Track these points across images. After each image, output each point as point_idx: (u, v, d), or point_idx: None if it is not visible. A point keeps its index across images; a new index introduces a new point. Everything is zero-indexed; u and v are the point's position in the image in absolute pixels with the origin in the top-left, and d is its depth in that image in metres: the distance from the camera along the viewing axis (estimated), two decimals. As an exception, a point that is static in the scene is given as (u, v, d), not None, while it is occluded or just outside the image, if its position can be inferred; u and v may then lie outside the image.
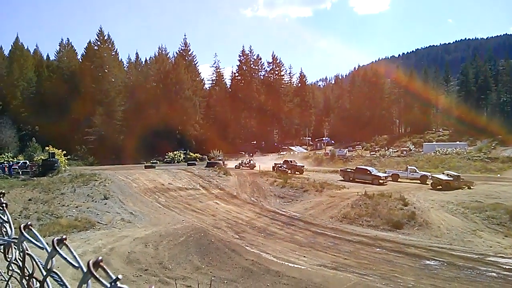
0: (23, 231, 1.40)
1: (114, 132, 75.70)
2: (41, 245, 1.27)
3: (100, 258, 0.99)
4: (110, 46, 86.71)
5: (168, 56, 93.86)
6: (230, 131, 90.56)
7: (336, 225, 25.25)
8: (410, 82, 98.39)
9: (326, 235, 22.82)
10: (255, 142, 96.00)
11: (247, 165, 54.07)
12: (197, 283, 13.95)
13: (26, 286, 1.48)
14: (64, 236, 1.19)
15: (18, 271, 1.57)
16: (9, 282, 1.73)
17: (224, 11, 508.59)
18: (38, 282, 1.42)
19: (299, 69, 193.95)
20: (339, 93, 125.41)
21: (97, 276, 0.96)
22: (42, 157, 44.92)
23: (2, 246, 1.70)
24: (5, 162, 47.14)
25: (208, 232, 22.36)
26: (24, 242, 1.48)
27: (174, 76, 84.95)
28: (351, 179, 40.29)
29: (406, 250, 19.61)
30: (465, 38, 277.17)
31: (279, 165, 47.88)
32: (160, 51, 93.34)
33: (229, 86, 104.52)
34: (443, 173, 37.38)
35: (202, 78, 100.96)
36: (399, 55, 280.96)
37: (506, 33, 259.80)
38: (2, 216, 1.75)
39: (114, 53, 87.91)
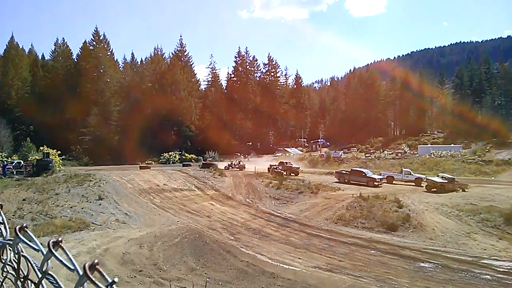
0: (18, 232, 1.39)
1: (109, 132, 75.36)
2: (36, 247, 1.27)
3: (96, 261, 0.98)
4: (105, 46, 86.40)
5: (164, 56, 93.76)
6: (226, 132, 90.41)
7: (331, 227, 25.31)
8: (406, 84, 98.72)
9: (321, 237, 22.86)
10: (250, 144, 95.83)
11: (237, 166, 53.95)
12: (191, 284, 13.93)
13: (20, 288, 1.47)
14: (60, 239, 1.18)
15: (13, 273, 1.56)
16: (3, 284, 1.72)
17: (220, 12, 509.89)
18: (33, 284, 1.41)
19: (295, 71, 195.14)
20: (334, 95, 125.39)
21: (93, 279, 0.96)
22: (37, 157, 44.74)
23: (-4, 248, 1.68)
24: (-1, 162, 46.88)
25: (203, 233, 22.34)
26: (19, 244, 1.47)
27: (170, 76, 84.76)
28: (346, 181, 40.33)
29: (400, 252, 19.68)
30: (460, 41, 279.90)
31: (275, 167, 47.84)
32: (155, 51, 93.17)
33: (225, 87, 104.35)
34: (438, 176, 37.47)
35: (198, 79, 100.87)
36: (394, 57, 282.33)
37: (501, 37, 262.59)
38: (-3, 217, 1.74)
39: (109, 53, 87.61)
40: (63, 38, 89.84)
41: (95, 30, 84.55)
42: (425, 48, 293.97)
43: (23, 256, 1.48)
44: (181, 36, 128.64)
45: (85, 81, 78.31)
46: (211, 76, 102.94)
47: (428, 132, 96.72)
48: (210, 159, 60.84)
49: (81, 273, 0.99)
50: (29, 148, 54.34)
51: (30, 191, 29.32)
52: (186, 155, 72.98)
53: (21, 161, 46.90)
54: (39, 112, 68.30)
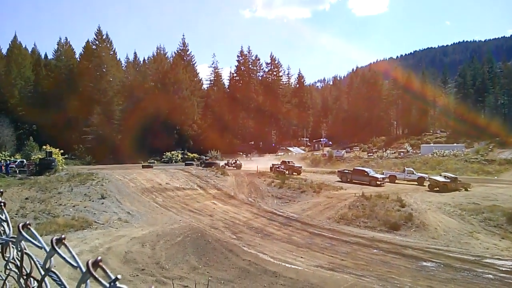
0: (21, 230, 1.40)
1: (112, 131, 75.47)
2: (39, 245, 1.27)
3: (99, 258, 0.99)
4: (108, 45, 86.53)
5: (166, 56, 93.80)
6: (228, 131, 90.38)
7: (333, 226, 25.29)
8: (408, 83, 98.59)
9: (323, 236, 22.85)
10: (253, 143, 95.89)
11: (233, 165, 53.96)
12: (194, 283, 13.95)
13: (24, 286, 1.48)
14: (63, 236, 1.18)
15: (16, 270, 1.56)
16: (6, 281, 1.73)
17: (223, 12, 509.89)
18: (36, 282, 1.42)
19: (297, 70, 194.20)
20: (337, 94, 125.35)
21: (96, 276, 0.96)
22: (40, 156, 44.85)
23: (0, 245, 1.69)
24: (2, 161, 46.87)
25: (205, 232, 22.34)
26: (22, 241, 1.47)
27: (172, 76, 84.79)
28: (348, 180, 40.30)
29: (403, 252, 19.65)
30: (463, 40, 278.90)
31: (277, 166, 47.84)
32: (158, 51, 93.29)
33: (227, 86, 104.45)
34: (440, 175, 37.39)
35: (200, 78, 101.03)
36: (397, 56, 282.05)
37: (504, 36, 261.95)
38: (0, 215, 1.74)
39: (112, 52, 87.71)
40: (66, 38, 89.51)
41: (97, 30, 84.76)
42: (428, 47, 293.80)
43: (26, 253, 1.48)
44: (183, 35, 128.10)
45: (88, 80, 78.51)
46: (213, 76, 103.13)
47: (431, 131, 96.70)
48: (208, 158, 60.74)
49: (84, 270, 0.99)
50: (31, 147, 54.42)
51: (33, 190, 29.37)
52: (188, 154, 73.04)
53: (24, 160, 46.96)
54: (41, 111, 68.44)
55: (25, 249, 1.49)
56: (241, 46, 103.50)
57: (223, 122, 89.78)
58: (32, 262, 1.43)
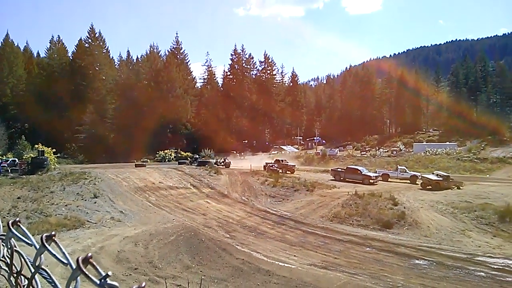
0: (11, 227, 1.39)
1: (105, 130, 75.17)
2: (29, 242, 1.26)
3: (89, 254, 0.98)
4: (101, 43, 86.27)
5: (159, 54, 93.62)
6: (221, 130, 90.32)
7: (326, 225, 25.34)
8: (401, 82, 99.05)
9: (317, 234, 22.90)
10: (246, 141, 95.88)
11: (222, 163, 53.90)
12: (187, 282, 13.94)
13: (14, 284, 1.47)
14: (53, 233, 1.18)
15: (6, 268, 1.55)
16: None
17: (217, 10, 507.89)
18: (26, 280, 1.41)
19: (291, 69, 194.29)
20: (330, 93, 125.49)
21: (87, 272, 0.95)
22: (32, 155, 44.49)
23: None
24: (-6, 160, 46.58)
25: (198, 231, 22.31)
26: (12, 239, 1.46)
27: (166, 74, 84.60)
28: (341, 178, 40.43)
29: (395, 250, 19.74)
30: (456, 39, 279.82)
31: (270, 165, 47.86)
32: (151, 49, 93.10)
33: (221, 85, 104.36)
34: (433, 173, 37.60)
35: (194, 76, 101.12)
36: (390, 55, 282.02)
37: (496, 35, 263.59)
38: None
39: (105, 50, 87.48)
40: (58, 36, 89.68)
41: (90, 28, 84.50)
42: (421, 46, 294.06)
43: (16, 251, 1.47)
44: (177, 33, 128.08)
45: (81, 79, 78.17)
46: (207, 74, 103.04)
47: (424, 130, 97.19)
48: (197, 157, 60.53)
49: (74, 267, 0.98)
50: (24, 146, 53.97)
51: (25, 189, 29.16)
52: (182, 153, 72.81)
53: (16, 159, 46.56)
54: (34, 110, 68.14)
55: (15, 246, 1.48)
56: (235, 45, 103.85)
57: (217, 121, 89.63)
58: (23, 260, 1.42)
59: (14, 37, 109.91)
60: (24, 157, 45.85)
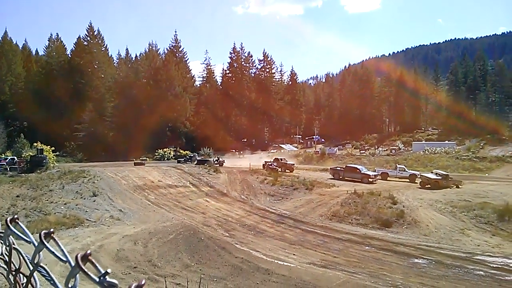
0: (9, 224, 1.37)
1: (104, 128, 75.17)
2: (28, 239, 1.25)
3: (88, 251, 0.97)
4: (100, 41, 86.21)
5: (158, 52, 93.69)
6: (220, 128, 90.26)
7: (325, 223, 25.32)
8: (400, 81, 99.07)
9: (316, 233, 22.88)
10: (245, 140, 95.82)
11: (216, 162, 53.83)
12: (186, 280, 13.91)
13: (12, 282, 1.45)
14: (51, 230, 1.16)
15: (5, 266, 1.54)
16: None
17: (215, 8, 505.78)
18: (25, 277, 1.39)
19: (290, 67, 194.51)
20: (329, 91, 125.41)
21: (86, 270, 0.94)
22: (31, 153, 44.53)
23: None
24: (-8, 158, 46.55)
25: (197, 230, 22.28)
26: (11, 237, 1.44)
27: (165, 72, 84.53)
28: (341, 177, 40.39)
29: (394, 249, 19.73)
30: (455, 38, 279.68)
31: (269, 163, 47.83)
32: (150, 47, 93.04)
33: (220, 83, 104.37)
34: (432, 172, 37.60)
35: (192, 75, 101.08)
36: (389, 54, 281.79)
37: (495, 34, 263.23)
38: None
39: (104, 48, 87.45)
40: (57, 34, 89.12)
41: (89, 26, 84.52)
42: (420, 45, 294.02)
43: (15, 248, 1.46)
44: (176, 32, 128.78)
45: (79, 77, 78.11)
46: (206, 72, 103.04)
47: (423, 128, 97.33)
48: (192, 155, 60.35)
49: (73, 264, 0.97)
50: (22, 144, 53.95)
51: (24, 188, 29.16)
52: (181, 151, 72.74)
53: (15, 158, 46.51)
54: (33, 108, 68.06)
55: (13, 244, 1.47)
56: (234, 43, 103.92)
57: (216, 119, 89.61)
58: (21, 257, 1.40)
59: (12, 35, 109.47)
60: (23, 156, 45.83)
